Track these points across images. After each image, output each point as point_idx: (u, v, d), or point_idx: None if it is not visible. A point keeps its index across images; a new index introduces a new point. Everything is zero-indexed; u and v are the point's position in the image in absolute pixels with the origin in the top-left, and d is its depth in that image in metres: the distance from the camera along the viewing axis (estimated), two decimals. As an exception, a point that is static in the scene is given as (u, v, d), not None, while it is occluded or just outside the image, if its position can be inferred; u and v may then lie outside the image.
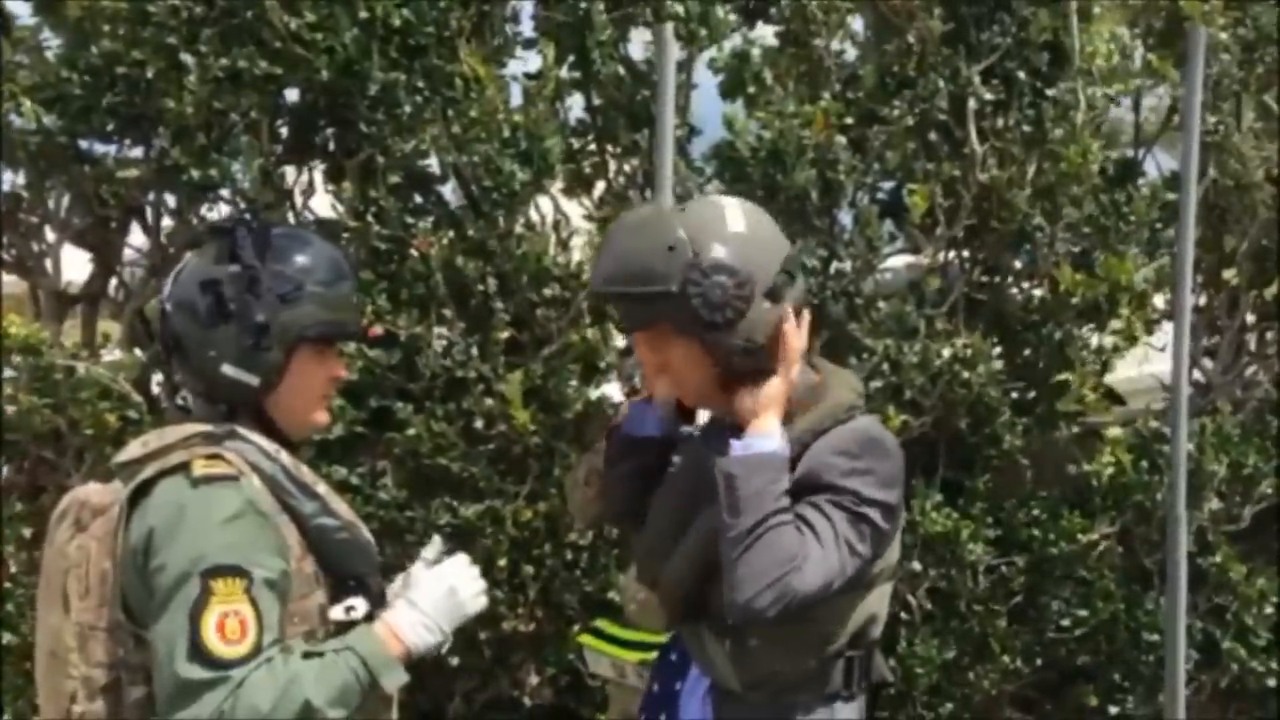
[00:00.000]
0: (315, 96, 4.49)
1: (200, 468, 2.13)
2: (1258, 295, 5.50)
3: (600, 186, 5.16)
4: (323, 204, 4.90)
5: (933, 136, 4.93)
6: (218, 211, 4.63)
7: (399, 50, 4.49)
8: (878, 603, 2.36)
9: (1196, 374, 5.61)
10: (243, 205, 4.59)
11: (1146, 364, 5.79)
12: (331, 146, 4.62)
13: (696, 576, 2.33)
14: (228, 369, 2.20)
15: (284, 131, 4.62)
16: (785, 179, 4.64)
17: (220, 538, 2.07)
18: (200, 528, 2.07)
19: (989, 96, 4.84)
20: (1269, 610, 5.19)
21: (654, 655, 3.45)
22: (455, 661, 4.62)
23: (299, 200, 4.72)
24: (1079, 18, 4.93)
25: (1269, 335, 5.61)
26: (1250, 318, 5.52)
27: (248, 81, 4.37)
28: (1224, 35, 5.09)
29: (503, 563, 4.58)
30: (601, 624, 4.01)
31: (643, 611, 3.52)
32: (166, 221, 4.78)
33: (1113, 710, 5.17)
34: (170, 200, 4.72)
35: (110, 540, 2.13)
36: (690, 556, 2.33)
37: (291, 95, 4.64)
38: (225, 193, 4.58)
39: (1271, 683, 5.18)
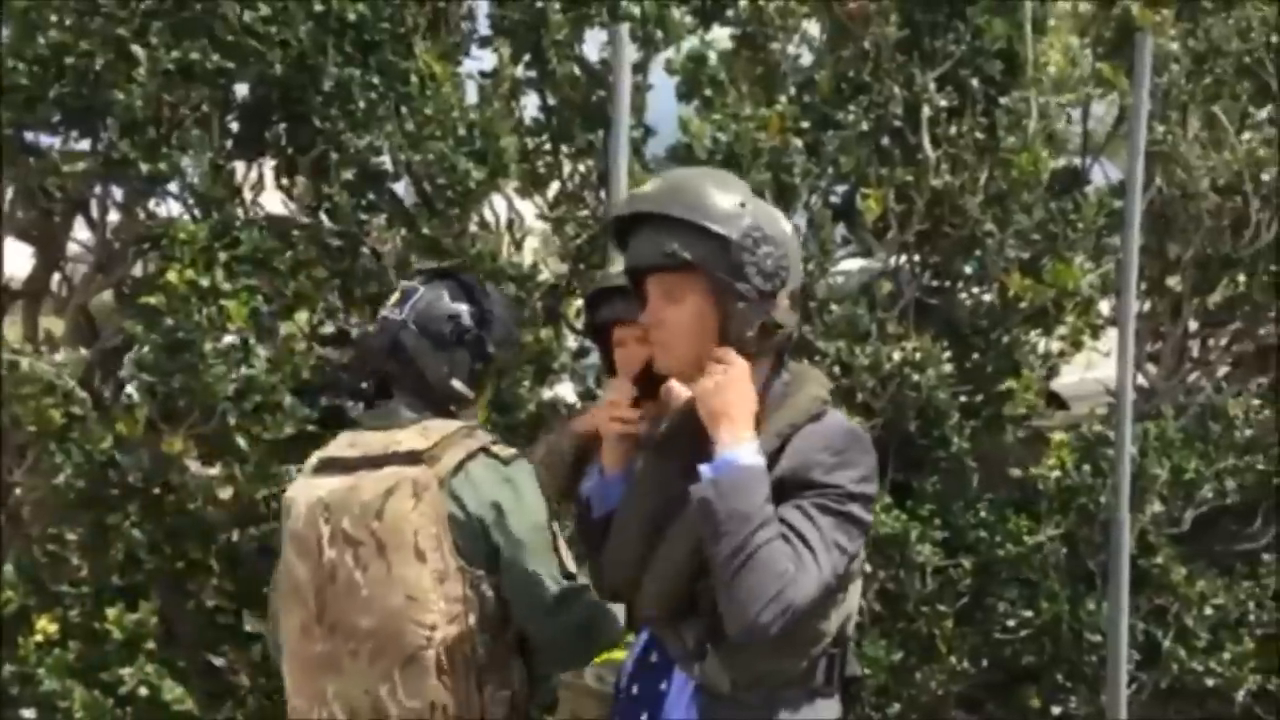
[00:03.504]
0: (268, 91, 4.43)
1: (502, 450, 2.76)
2: (1200, 302, 5.58)
3: (554, 187, 5.13)
4: (272, 200, 4.86)
5: (886, 142, 4.95)
6: (166, 207, 4.56)
7: (354, 45, 4.45)
8: (854, 598, 2.39)
9: (1139, 379, 5.68)
10: (191, 200, 4.53)
11: (1091, 369, 5.87)
12: (284, 142, 4.55)
13: (683, 580, 2.32)
14: (456, 383, 2.82)
15: (235, 126, 4.54)
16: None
17: (539, 495, 2.75)
18: (530, 490, 2.72)
19: (943, 103, 4.88)
20: (1209, 611, 5.27)
21: (618, 655, 3.46)
22: (407, 663, 4.58)
23: (249, 196, 4.64)
24: (1032, 27, 4.98)
25: (1211, 342, 5.71)
26: (1193, 324, 5.61)
27: (199, 74, 4.31)
28: (1175, 46, 5.16)
29: (454, 563, 4.55)
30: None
31: None
32: (113, 216, 4.70)
33: (1056, 710, 5.25)
34: (117, 194, 4.64)
35: (439, 507, 2.66)
36: (675, 561, 2.32)
37: (242, 89, 4.58)
38: (173, 188, 4.52)
39: (1211, 683, 5.26)
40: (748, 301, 2.28)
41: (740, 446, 2.22)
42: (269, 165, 4.62)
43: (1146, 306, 5.65)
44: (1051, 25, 5.13)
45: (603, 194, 4.84)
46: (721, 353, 2.34)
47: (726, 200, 2.31)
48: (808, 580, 2.19)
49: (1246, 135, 5.44)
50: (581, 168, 5.06)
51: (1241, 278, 5.44)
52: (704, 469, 2.22)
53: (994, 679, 5.29)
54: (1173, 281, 5.65)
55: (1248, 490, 5.39)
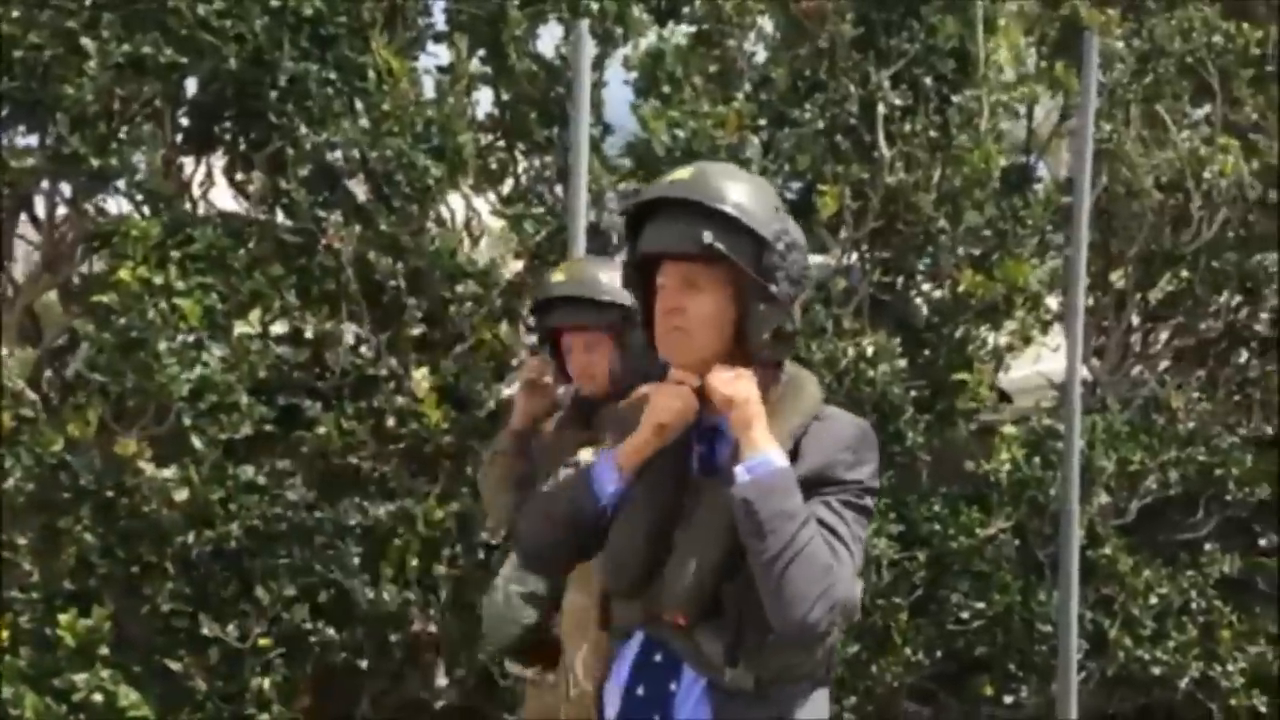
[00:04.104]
0: (222, 86, 4.35)
1: None
2: (1143, 298, 5.68)
3: (509, 183, 5.10)
4: (222, 196, 4.78)
5: (841, 140, 4.97)
6: (117, 203, 4.48)
7: (310, 40, 4.40)
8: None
9: (1085, 373, 5.78)
10: (141, 197, 4.45)
11: (1036, 364, 5.96)
12: (238, 138, 4.48)
13: (714, 579, 2.31)
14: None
15: (187, 121, 4.46)
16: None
17: None
18: None
19: (897, 101, 4.92)
20: (1154, 601, 5.38)
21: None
22: (365, 664, 4.55)
23: (201, 193, 4.57)
24: (984, 26, 5.04)
25: (1152, 336, 5.81)
26: (1135, 319, 5.71)
27: (151, 68, 4.24)
28: (1120, 45, 5.25)
29: (414, 563, 4.52)
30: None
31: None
32: (61, 211, 4.59)
33: (1008, 700, 5.32)
34: (65, 190, 4.53)
35: None
36: (700, 560, 2.29)
37: (191, 85, 4.50)
38: (123, 184, 4.43)
39: (1156, 671, 5.37)
40: (769, 304, 2.29)
41: (772, 450, 2.24)
42: (219, 161, 4.53)
43: (1090, 302, 5.74)
44: (1001, 25, 5.18)
45: (559, 189, 4.83)
46: (733, 361, 2.34)
47: (765, 200, 2.30)
48: (847, 575, 2.22)
49: (1185, 133, 5.54)
50: (537, 163, 5.04)
51: (1184, 273, 5.54)
52: (741, 470, 2.20)
53: (946, 670, 5.35)
54: (1115, 277, 5.75)
55: (1190, 481, 5.50)
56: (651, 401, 2.42)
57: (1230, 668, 5.53)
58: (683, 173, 2.42)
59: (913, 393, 5.12)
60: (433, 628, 4.63)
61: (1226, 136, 5.46)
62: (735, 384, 2.27)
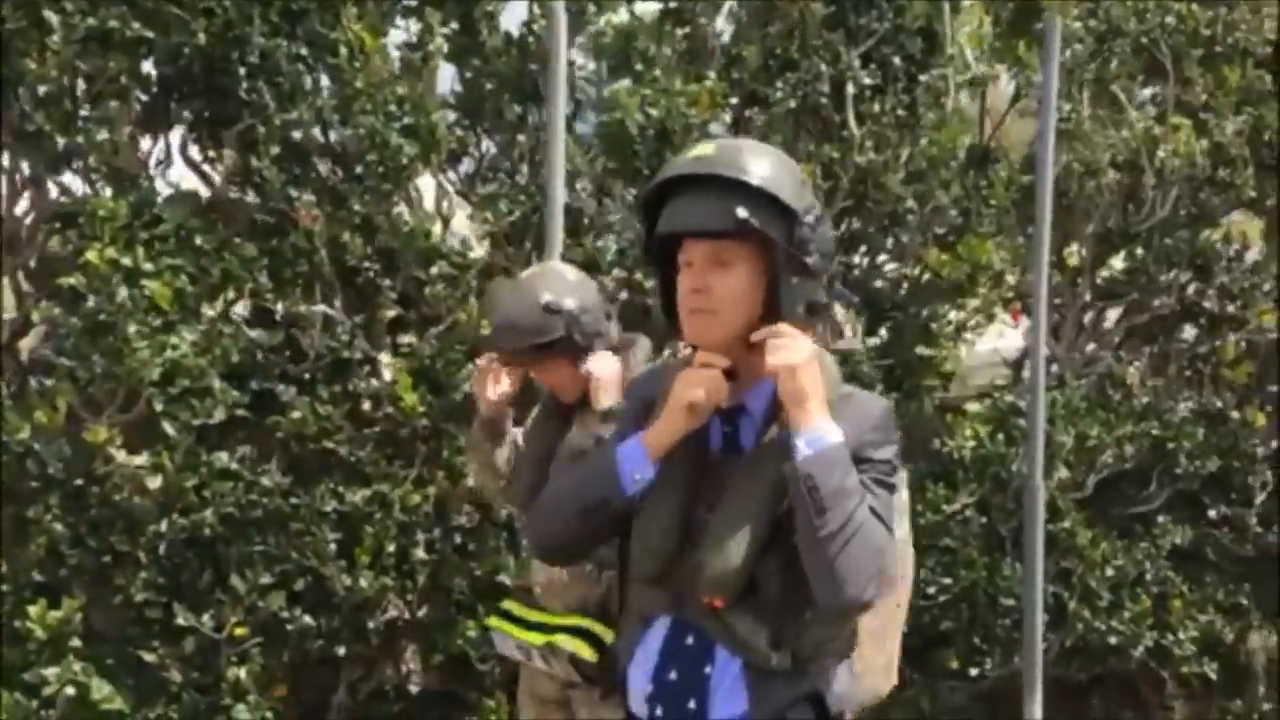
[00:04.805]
0: (190, 61, 4.22)
1: None
2: (1095, 276, 5.79)
3: (474, 163, 5.03)
4: (180, 174, 4.66)
5: (811, 119, 4.98)
6: (79, 183, 4.33)
7: (280, 14, 4.28)
8: None
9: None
10: (102, 177, 4.31)
11: (991, 340, 6.04)
12: (207, 115, 4.35)
13: (753, 556, 2.28)
14: None
15: (154, 98, 4.32)
16: (674, 157, 4.63)
17: None
18: None
19: (867, 81, 4.94)
20: (1110, 573, 5.50)
21: (559, 638, 3.42)
22: (342, 651, 4.48)
23: (170, 171, 4.44)
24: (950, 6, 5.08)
25: (1107, 313, 5.92)
26: (1088, 297, 5.81)
27: (117, 43, 4.09)
28: (1077, 25, 5.32)
29: (391, 549, 4.45)
30: (509, 605, 3.93)
31: (547, 594, 3.52)
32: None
33: (972, 672, 5.40)
34: (25, 168, 4.37)
35: None
36: (738, 538, 2.27)
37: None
38: (84, 162, 4.28)
39: (1112, 640, 5.49)
40: (804, 276, 2.27)
41: (826, 424, 2.21)
42: (176, 138, 4.40)
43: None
44: (965, 5, 5.23)
45: (525, 169, 4.77)
46: (786, 328, 2.30)
47: (791, 174, 2.28)
48: (892, 549, 2.23)
49: (1134, 114, 5.64)
50: (499, 139, 4.96)
51: (1139, 251, 5.64)
52: (802, 445, 2.17)
53: (911, 644, 5.39)
54: (1068, 254, 5.84)
55: (1144, 454, 5.63)
56: (679, 384, 2.38)
57: (1182, 635, 5.68)
58: (705, 148, 2.37)
59: (880, 370, 5.16)
60: (410, 613, 4.57)
61: (1179, 116, 5.58)
62: (790, 349, 2.21)
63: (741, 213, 2.22)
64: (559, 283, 3.30)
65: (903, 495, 2.71)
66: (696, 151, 2.38)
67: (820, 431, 2.20)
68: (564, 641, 3.38)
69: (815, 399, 2.21)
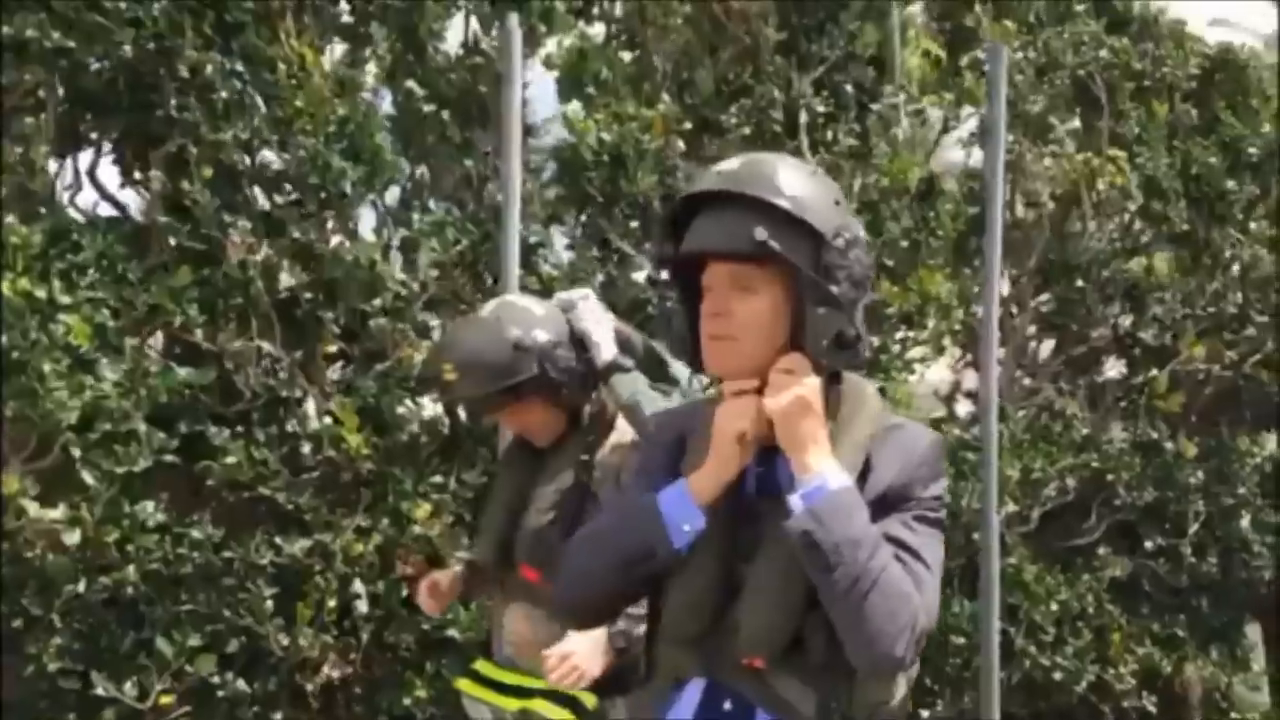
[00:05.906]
0: (115, 75, 3.87)
1: None
2: (1037, 307, 5.77)
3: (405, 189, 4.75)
4: (90, 199, 4.30)
5: (764, 146, 4.85)
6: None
7: (213, 27, 3.96)
8: None
9: (974, 382, 5.83)
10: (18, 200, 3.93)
11: (926, 371, 5.96)
12: (133, 133, 4.00)
13: (793, 612, 2.08)
14: None
15: (76, 114, 3.96)
16: (628, 183, 4.44)
17: None
18: None
19: (820, 108, 4.82)
20: (1055, 607, 5.44)
21: (537, 703, 3.18)
22: (279, 717, 4.13)
23: (92, 195, 4.08)
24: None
25: (1042, 345, 5.91)
26: (1031, 329, 5.78)
27: (35, 54, 3.73)
28: (1019, 55, 5.30)
29: (332, 604, 4.13)
30: (480, 666, 3.66)
31: (522, 652, 3.27)
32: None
33: (924, 715, 5.28)
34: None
35: None
36: (775, 593, 2.07)
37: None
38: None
39: (1057, 676, 5.43)
40: (829, 306, 2.08)
41: (827, 469, 2.02)
42: (115, 160, 4.05)
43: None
44: (911, 35, 5.16)
45: (482, 195, 4.52)
46: (791, 362, 2.12)
47: (824, 193, 2.08)
48: (930, 598, 2.03)
49: (1072, 146, 5.65)
50: (438, 165, 4.70)
51: (1079, 282, 5.64)
52: (795, 500, 2.00)
53: (860, 686, 5.27)
54: (1005, 286, 5.81)
55: (1084, 486, 5.60)
56: (721, 418, 2.16)
57: (1122, 669, 5.66)
58: (731, 163, 2.17)
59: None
60: (354, 670, 4.25)
61: (1114, 148, 5.60)
62: (782, 392, 2.05)
63: (760, 234, 2.04)
64: (526, 317, 3.06)
65: None
66: (721, 166, 2.19)
67: (818, 481, 2.02)
68: (543, 708, 3.13)
69: (810, 443, 2.03)
